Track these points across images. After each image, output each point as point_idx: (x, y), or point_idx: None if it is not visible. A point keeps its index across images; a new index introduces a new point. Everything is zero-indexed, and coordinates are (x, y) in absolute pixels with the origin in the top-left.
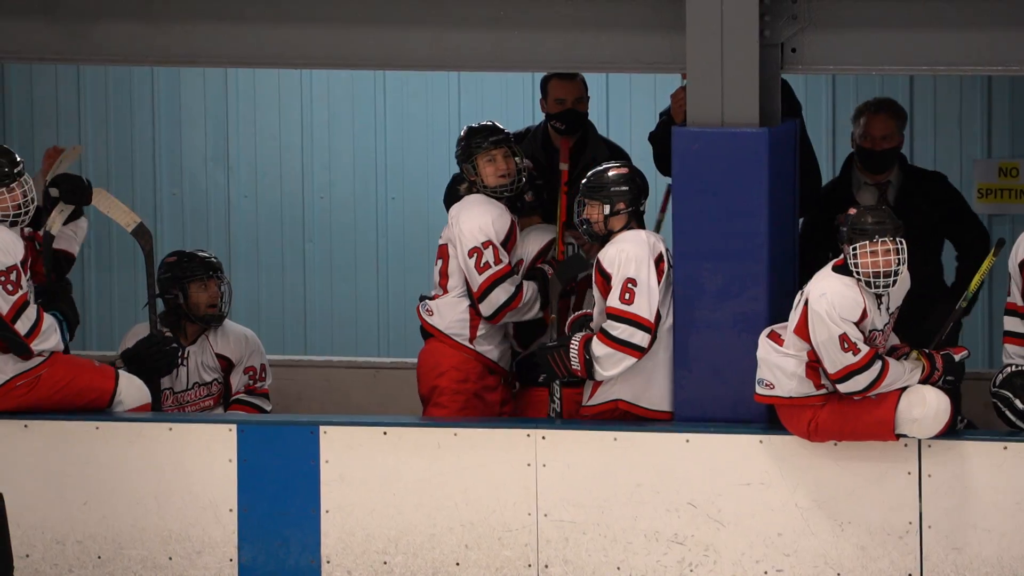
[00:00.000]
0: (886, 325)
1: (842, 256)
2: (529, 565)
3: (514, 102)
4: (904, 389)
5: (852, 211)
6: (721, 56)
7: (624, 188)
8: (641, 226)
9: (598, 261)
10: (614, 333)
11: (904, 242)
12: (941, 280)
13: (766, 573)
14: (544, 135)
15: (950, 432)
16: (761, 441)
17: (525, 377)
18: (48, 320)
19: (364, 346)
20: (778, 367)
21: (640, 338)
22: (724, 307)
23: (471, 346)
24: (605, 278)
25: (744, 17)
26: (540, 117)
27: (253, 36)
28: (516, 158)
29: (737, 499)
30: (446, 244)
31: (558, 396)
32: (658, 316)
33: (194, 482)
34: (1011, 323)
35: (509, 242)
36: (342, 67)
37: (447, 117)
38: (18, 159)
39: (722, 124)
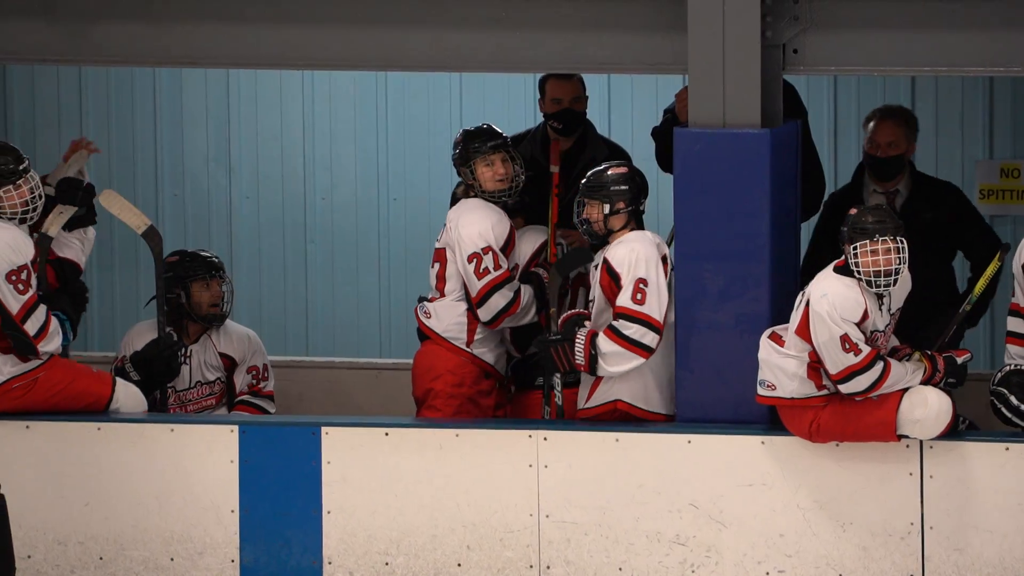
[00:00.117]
0: (887, 326)
1: (843, 257)
2: (531, 566)
3: (516, 103)
4: (906, 390)
5: (853, 211)
6: (723, 57)
7: (624, 188)
8: (640, 226)
9: (606, 261)
10: (626, 332)
11: (905, 241)
12: (954, 287)
13: (768, 574)
14: (544, 136)
15: (952, 433)
16: (763, 442)
17: (521, 381)
18: (55, 323)
19: (366, 347)
20: (779, 368)
21: (651, 339)
22: (726, 308)
23: (468, 349)
24: (613, 278)
25: (746, 18)
26: (542, 118)
27: (254, 37)
28: (515, 162)
29: (739, 500)
30: (444, 248)
31: (559, 392)
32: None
33: (195, 483)
34: (1014, 324)
35: (508, 247)
36: (343, 68)
37: (449, 119)
38: (23, 156)
39: (724, 125)
